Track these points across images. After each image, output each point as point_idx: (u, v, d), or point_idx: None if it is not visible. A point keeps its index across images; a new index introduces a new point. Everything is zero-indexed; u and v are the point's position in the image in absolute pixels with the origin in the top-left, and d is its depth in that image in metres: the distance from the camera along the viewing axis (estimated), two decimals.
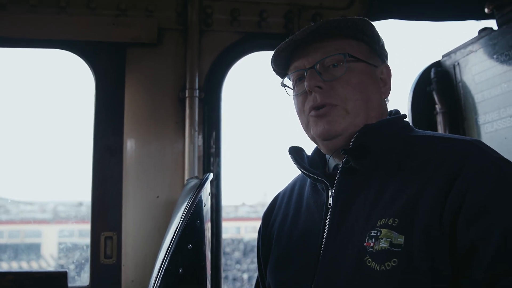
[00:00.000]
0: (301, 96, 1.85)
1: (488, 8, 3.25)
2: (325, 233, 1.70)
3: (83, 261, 3.34)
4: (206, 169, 3.24)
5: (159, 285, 1.97)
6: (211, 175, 2.44)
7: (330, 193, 1.76)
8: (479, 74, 3.32)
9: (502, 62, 3.10)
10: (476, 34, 3.39)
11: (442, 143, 1.67)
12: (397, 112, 1.90)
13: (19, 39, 3.19)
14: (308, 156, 2.00)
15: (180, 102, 3.25)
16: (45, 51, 3.34)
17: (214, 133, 3.29)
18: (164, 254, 2.07)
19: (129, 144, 3.18)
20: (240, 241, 22.10)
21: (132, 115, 3.20)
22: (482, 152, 1.57)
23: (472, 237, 1.43)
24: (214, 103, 3.32)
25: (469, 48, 3.41)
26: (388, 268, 1.49)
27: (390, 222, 1.54)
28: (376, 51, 1.89)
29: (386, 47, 1.96)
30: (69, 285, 2.91)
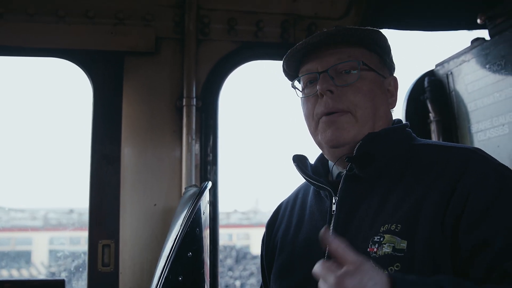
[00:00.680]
0: (311, 99, 1.87)
1: (480, 19, 3.30)
2: None
3: (80, 269, 3.33)
4: (203, 177, 3.26)
5: None
6: (209, 184, 2.46)
7: (333, 201, 1.79)
8: (472, 83, 3.37)
9: (494, 71, 3.16)
10: (469, 44, 3.45)
11: (444, 151, 1.71)
12: (399, 121, 1.94)
13: (17, 48, 3.20)
14: (311, 164, 2.03)
15: (177, 111, 3.28)
16: (43, 60, 3.35)
17: (211, 142, 3.32)
18: (164, 262, 2.09)
19: (127, 152, 3.19)
20: (232, 248, 22.01)
21: (130, 124, 3.22)
22: (482, 159, 1.62)
23: (474, 241, 1.46)
24: (211, 111, 3.35)
25: (462, 57, 3.47)
26: (391, 272, 1.52)
27: (393, 227, 1.58)
28: (386, 62, 1.94)
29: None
30: None
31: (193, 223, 2.16)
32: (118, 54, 3.26)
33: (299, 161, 1.99)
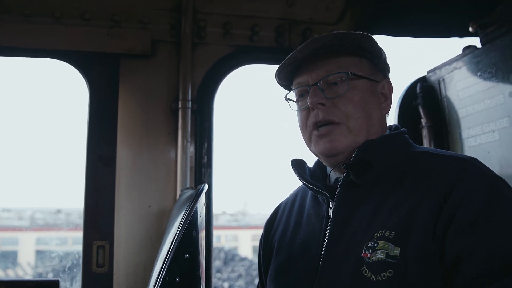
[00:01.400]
0: (304, 111, 1.90)
1: (472, 27, 3.36)
2: (325, 244, 1.76)
3: (75, 270, 3.33)
4: (198, 179, 3.28)
5: None
6: (206, 186, 2.48)
7: (330, 205, 1.82)
8: (463, 90, 3.43)
9: (485, 79, 3.22)
10: (460, 51, 3.51)
11: (441, 160, 1.74)
12: (396, 127, 1.96)
13: (13, 48, 3.20)
14: (309, 169, 2.06)
15: (173, 113, 3.29)
16: (39, 61, 3.35)
17: (206, 144, 3.34)
18: (162, 263, 2.11)
19: (122, 154, 3.20)
20: (220, 249, 22.01)
21: (126, 126, 3.23)
22: (477, 170, 1.64)
23: (458, 250, 1.49)
24: (206, 114, 3.37)
25: (454, 65, 3.53)
26: (384, 278, 1.55)
27: (387, 234, 1.61)
28: (378, 66, 1.94)
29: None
30: None
31: (190, 225, 2.19)
32: (114, 56, 3.27)
33: (298, 165, 2.01)
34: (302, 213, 2.03)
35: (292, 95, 2.02)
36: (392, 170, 1.78)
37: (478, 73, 3.29)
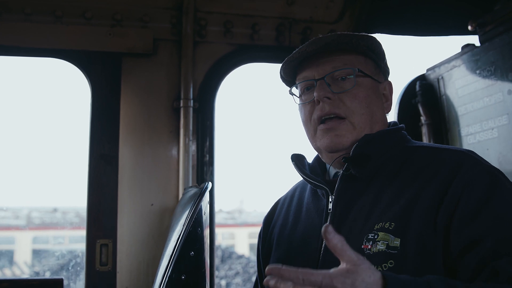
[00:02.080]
0: (308, 106, 1.94)
1: (471, 26, 3.39)
2: None
3: (77, 269, 3.34)
4: (200, 177, 3.30)
5: None
6: (210, 184, 2.51)
7: (330, 199, 1.86)
8: (462, 88, 3.46)
9: (484, 77, 3.25)
10: (459, 49, 3.53)
11: (438, 153, 1.78)
12: (395, 124, 2.01)
13: (15, 48, 3.20)
14: (309, 163, 2.09)
15: (174, 112, 3.31)
16: (41, 60, 3.36)
17: (207, 142, 3.36)
18: (167, 261, 2.13)
19: (125, 152, 3.22)
20: (217, 247, 22.02)
21: (128, 124, 3.25)
22: (475, 161, 1.70)
23: (465, 240, 1.53)
24: (208, 113, 3.39)
25: (453, 63, 3.56)
26: (385, 269, 1.58)
27: (386, 225, 1.64)
28: (381, 68, 2.00)
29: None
30: None
31: (195, 223, 2.21)
32: (116, 55, 3.28)
33: (297, 160, 2.05)
34: (301, 207, 2.06)
35: (295, 90, 2.04)
36: (389, 163, 1.83)
37: (477, 71, 3.31)
